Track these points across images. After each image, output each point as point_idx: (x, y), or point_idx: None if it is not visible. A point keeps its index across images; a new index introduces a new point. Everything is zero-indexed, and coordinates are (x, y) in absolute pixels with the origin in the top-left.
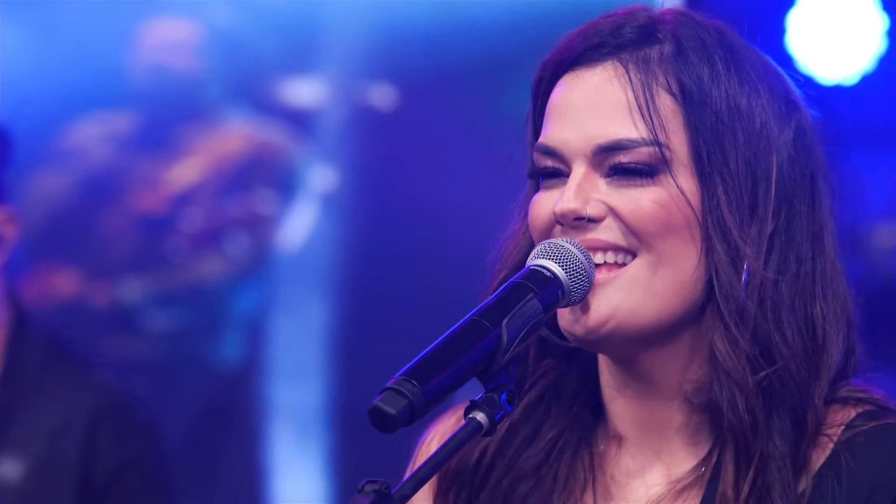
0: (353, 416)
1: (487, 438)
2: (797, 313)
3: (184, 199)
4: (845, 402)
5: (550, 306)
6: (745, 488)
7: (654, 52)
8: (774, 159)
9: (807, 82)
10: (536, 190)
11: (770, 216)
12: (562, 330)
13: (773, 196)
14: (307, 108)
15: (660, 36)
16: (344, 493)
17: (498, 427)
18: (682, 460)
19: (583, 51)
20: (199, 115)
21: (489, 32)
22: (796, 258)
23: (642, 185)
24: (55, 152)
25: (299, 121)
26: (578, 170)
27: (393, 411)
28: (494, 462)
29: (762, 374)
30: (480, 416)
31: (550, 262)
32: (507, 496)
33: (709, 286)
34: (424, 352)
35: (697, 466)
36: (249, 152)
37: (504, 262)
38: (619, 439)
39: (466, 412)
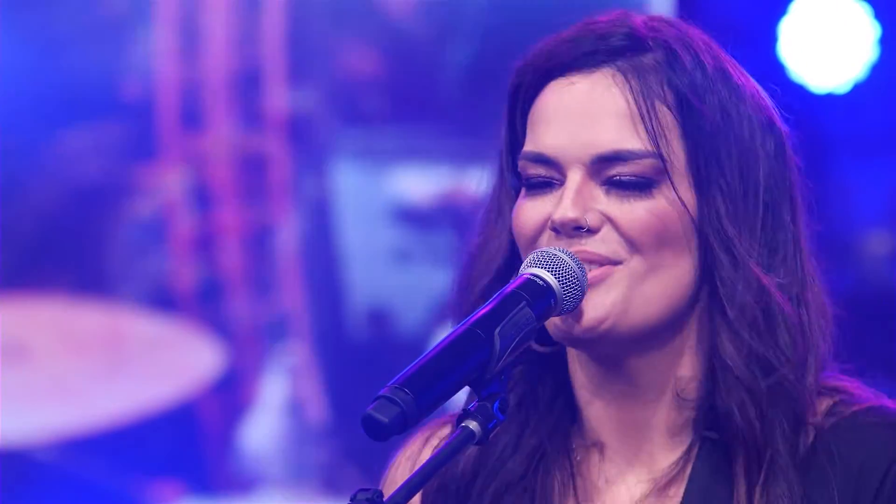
0: None
1: (465, 459)
2: (792, 318)
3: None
4: (820, 392)
5: (543, 315)
6: (758, 493)
7: (647, 59)
8: (761, 169)
9: (798, 91)
10: (513, 195)
11: (760, 225)
12: (554, 330)
13: (761, 205)
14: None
15: (650, 43)
16: None
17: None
18: (662, 459)
19: (575, 57)
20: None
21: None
22: (784, 265)
23: (640, 196)
24: (46, 161)
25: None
26: (574, 177)
27: (385, 419)
28: (477, 472)
29: (771, 378)
30: (473, 425)
31: (544, 271)
32: None
33: (706, 293)
34: (417, 360)
35: (677, 462)
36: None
37: (485, 269)
38: (597, 444)
39: (459, 421)
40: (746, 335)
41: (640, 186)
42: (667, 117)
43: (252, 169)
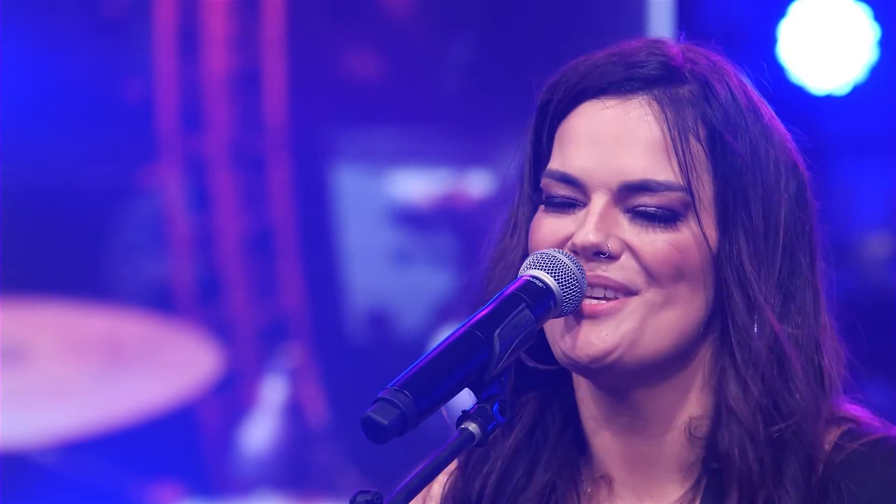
0: None
1: (483, 480)
2: (807, 366)
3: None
4: (827, 422)
5: (542, 317)
6: None
7: (683, 91)
8: (783, 211)
9: (798, 92)
10: (531, 210)
11: (778, 268)
12: (562, 357)
13: (780, 248)
14: None
15: (687, 75)
16: None
17: (491, 440)
18: (671, 492)
19: (610, 81)
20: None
21: None
22: (799, 311)
23: (663, 228)
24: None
25: None
26: (599, 201)
27: (384, 422)
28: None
29: (776, 428)
30: (472, 427)
31: (543, 272)
32: None
33: (717, 331)
34: (417, 362)
35: (685, 496)
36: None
37: (499, 283)
38: (605, 477)
39: (458, 422)
40: (752, 381)
41: (665, 219)
42: (699, 152)
43: (251, 170)
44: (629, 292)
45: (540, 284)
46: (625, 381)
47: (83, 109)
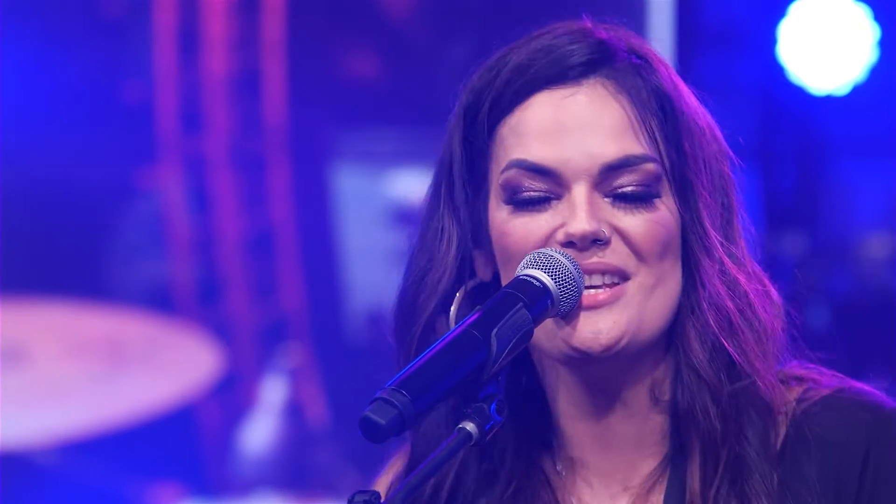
0: None
1: (438, 477)
2: (756, 315)
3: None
4: (786, 382)
5: (540, 316)
6: (715, 491)
7: (626, 67)
8: (722, 172)
9: (798, 93)
10: (458, 214)
11: (725, 226)
12: (565, 347)
13: (722, 207)
14: None
15: (621, 51)
16: None
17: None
18: (643, 468)
19: (560, 70)
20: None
21: None
22: (742, 265)
23: (643, 207)
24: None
25: None
26: (581, 190)
27: (382, 421)
28: (457, 494)
29: (738, 384)
30: (470, 427)
31: (540, 272)
32: None
33: (684, 297)
34: (415, 362)
35: (656, 470)
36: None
37: (431, 291)
38: (576, 464)
39: (456, 422)
40: (714, 336)
41: (644, 198)
42: (653, 123)
43: (251, 171)
44: (624, 276)
45: (537, 284)
46: (624, 364)
47: (83, 110)
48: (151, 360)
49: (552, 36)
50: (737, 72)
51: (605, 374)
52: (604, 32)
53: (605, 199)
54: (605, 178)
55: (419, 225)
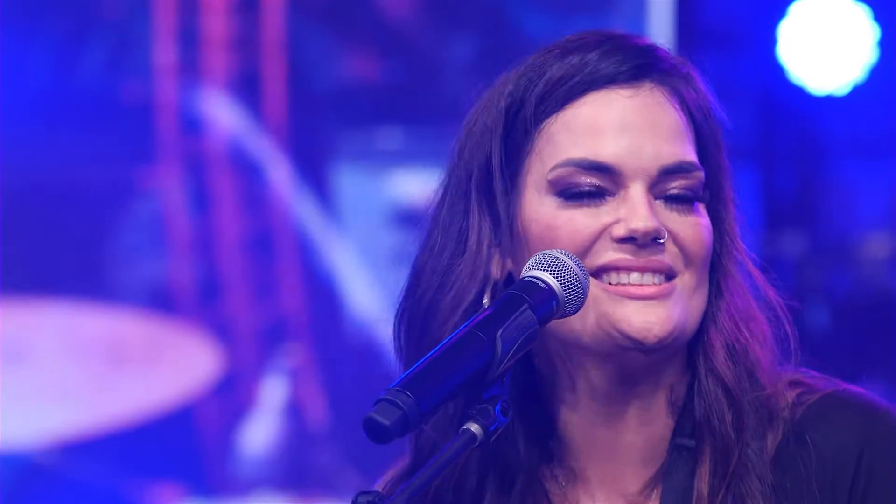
0: None
1: (440, 480)
2: (768, 322)
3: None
4: (783, 385)
5: (545, 318)
6: (721, 496)
7: (678, 76)
8: (732, 181)
9: (797, 93)
10: (488, 211)
11: (740, 236)
12: (624, 333)
13: (735, 217)
14: None
15: (671, 60)
16: None
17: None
18: (641, 475)
19: (621, 70)
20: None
21: None
22: (753, 274)
23: (691, 212)
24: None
25: None
26: (638, 189)
27: (387, 422)
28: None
29: (759, 393)
30: (475, 428)
31: (546, 273)
32: None
33: (709, 306)
34: (419, 363)
35: (655, 475)
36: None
37: (460, 290)
38: (577, 475)
39: (460, 423)
40: (736, 343)
41: (691, 201)
42: (700, 133)
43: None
44: (672, 276)
45: (542, 285)
46: (656, 363)
47: (83, 110)
48: (151, 360)
49: (598, 39)
50: (737, 72)
51: (640, 370)
52: (650, 42)
53: (658, 201)
54: (661, 180)
55: (429, 225)
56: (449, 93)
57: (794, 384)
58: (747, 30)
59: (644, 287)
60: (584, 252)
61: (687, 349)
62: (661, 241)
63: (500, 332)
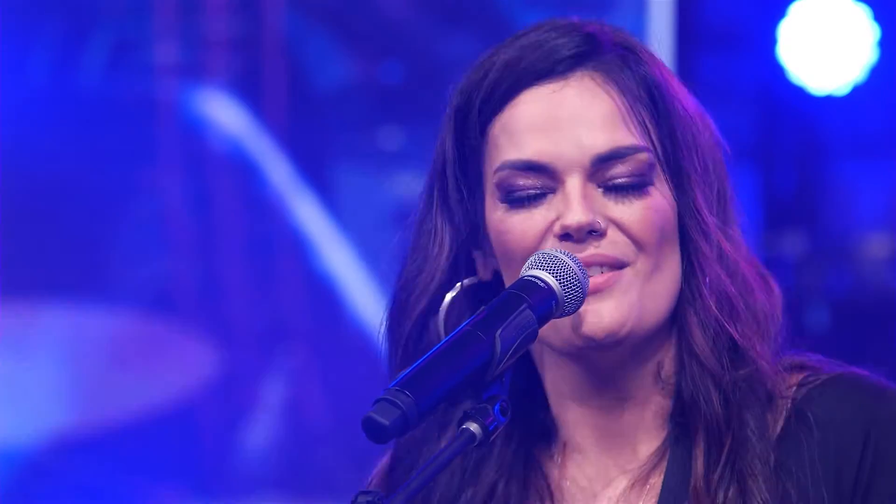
0: None
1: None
2: (755, 298)
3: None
4: (788, 370)
5: (544, 317)
6: (719, 475)
7: (613, 59)
8: (715, 158)
9: (797, 93)
10: (453, 214)
11: (720, 212)
12: (571, 335)
13: (716, 193)
14: None
15: (608, 43)
16: None
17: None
18: (642, 451)
19: (547, 65)
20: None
21: None
22: (739, 250)
23: (637, 195)
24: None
25: None
26: (575, 182)
27: (386, 422)
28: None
29: (742, 371)
30: (474, 427)
31: (544, 272)
32: None
33: (684, 283)
34: (419, 362)
35: (655, 453)
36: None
37: (423, 290)
38: (572, 449)
39: (459, 423)
40: (716, 321)
41: (637, 187)
42: (644, 113)
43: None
44: (622, 265)
45: (541, 284)
46: (625, 355)
47: (83, 110)
48: (151, 360)
49: (539, 32)
50: (737, 72)
51: (611, 364)
52: (591, 27)
53: (599, 190)
54: (598, 169)
55: (413, 226)
56: (449, 93)
57: (799, 367)
58: (747, 30)
59: (590, 280)
60: (531, 254)
61: (670, 327)
62: (598, 233)
63: (499, 331)
